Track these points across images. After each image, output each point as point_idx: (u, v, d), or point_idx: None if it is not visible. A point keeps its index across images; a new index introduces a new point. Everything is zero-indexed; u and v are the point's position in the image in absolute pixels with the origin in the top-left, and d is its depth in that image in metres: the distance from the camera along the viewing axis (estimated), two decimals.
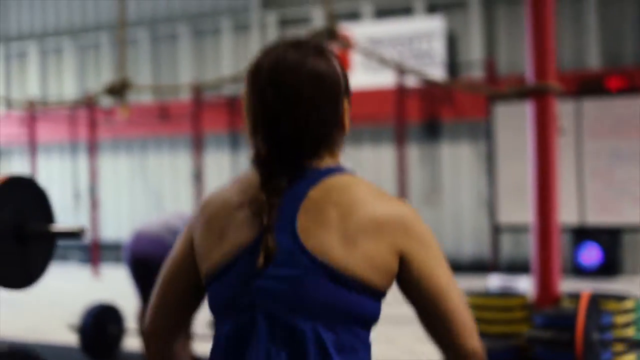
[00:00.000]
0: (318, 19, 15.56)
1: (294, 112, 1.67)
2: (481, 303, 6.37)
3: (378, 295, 1.70)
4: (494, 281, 8.20)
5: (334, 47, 8.60)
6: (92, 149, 15.84)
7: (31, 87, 18.20)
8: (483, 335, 5.87)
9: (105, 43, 17.43)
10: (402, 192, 13.19)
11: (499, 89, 10.46)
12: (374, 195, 1.71)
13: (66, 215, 17.01)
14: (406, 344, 8.25)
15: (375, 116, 14.60)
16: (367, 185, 1.74)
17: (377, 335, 7.19)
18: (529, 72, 6.71)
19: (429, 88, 13.44)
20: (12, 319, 10.68)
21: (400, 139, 13.52)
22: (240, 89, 11.18)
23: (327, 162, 1.76)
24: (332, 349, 1.64)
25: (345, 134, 1.80)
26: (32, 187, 4.08)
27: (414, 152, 14.55)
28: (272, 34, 16.09)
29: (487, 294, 6.53)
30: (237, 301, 1.71)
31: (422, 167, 14.54)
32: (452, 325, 1.70)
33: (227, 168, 16.23)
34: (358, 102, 13.15)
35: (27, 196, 3.97)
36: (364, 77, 14.38)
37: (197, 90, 15.05)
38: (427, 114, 14.06)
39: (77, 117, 16.81)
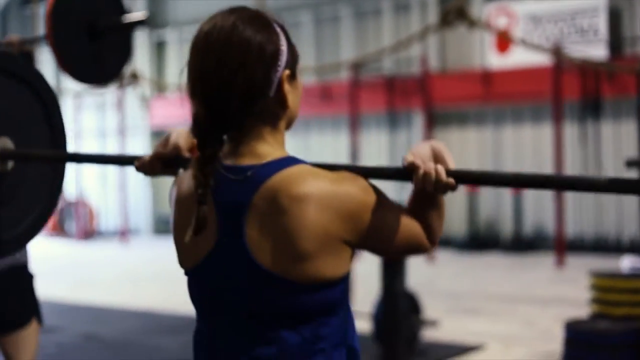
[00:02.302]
0: None
1: (219, 73, 1.69)
2: (608, 285, 6.25)
3: (338, 280, 1.75)
4: (627, 262, 7.95)
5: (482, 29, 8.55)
6: None
7: None
8: (607, 317, 5.75)
9: None
10: (559, 171, 12.94)
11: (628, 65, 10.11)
12: (317, 191, 1.69)
13: None
14: (545, 324, 8.18)
15: (535, 94, 14.37)
16: (312, 176, 1.71)
17: (515, 316, 7.18)
18: None
19: (590, 65, 13.08)
20: None
21: (557, 117, 13.25)
22: (399, 70, 11.14)
23: (269, 145, 1.77)
24: (297, 348, 1.72)
25: (289, 111, 1.79)
26: None
27: (574, 131, 14.23)
28: (432, 13, 16.07)
29: (613, 275, 6.40)
30: (203, 305, 1.82)
31: (582, 146, 14.20)
32: (410, 246, 1.83)
33: (385, 147, 16.38)
34: (518, 80, 12.96)
35: None
36: (524, 54, 14.15)
37: (355, 70, 15.24)
38: (588, 91, 13.68)
39: None
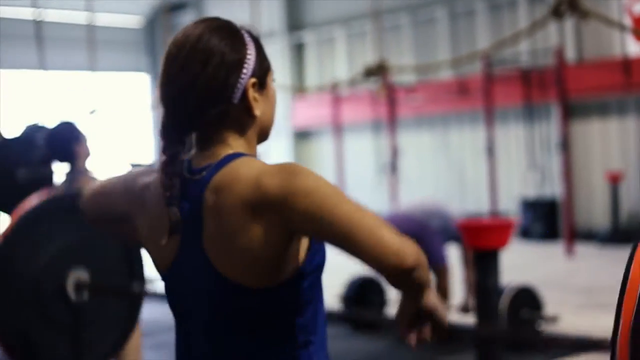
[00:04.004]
0: None
1: (181, 77, 1.75)
2: None
3: (287, 279, 1.74)
4: None
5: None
6: (392, 126, 16.47)
7: (339, 70, 19.13)
8: None
9: (406, 24, 17.96)
10: None
11: None
12: (251, 174, 1.71)
13: (370, 189, 17.88)
14: None
15: None
16: (251, 162, 1.75)
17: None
18: None
19: None
20: None
21: None
22: (535, 62, 10.96)
23: (232, 149, 1.80)
24: (262, 354, 1.76)
25: (259, 120, 1.84)
26: None
27: None
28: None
29: None
30: (175, 309, 1.87)
31: None
32: (372, 250, 1.65)
33: (523, 141, 16.17)
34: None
35: None
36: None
37: (488, 62, 15.12)
38: None
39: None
